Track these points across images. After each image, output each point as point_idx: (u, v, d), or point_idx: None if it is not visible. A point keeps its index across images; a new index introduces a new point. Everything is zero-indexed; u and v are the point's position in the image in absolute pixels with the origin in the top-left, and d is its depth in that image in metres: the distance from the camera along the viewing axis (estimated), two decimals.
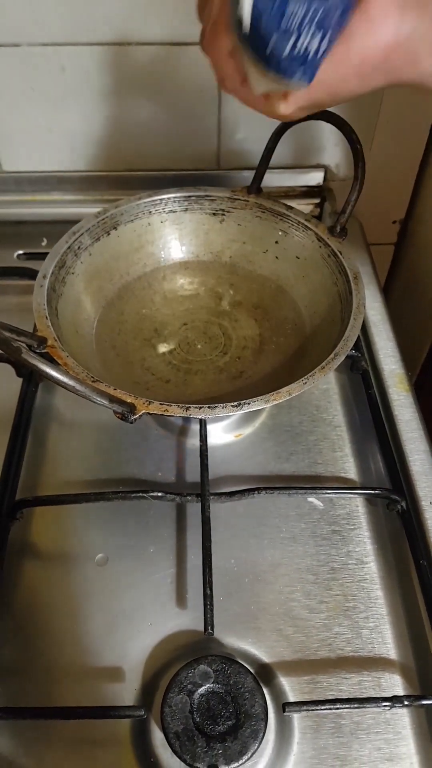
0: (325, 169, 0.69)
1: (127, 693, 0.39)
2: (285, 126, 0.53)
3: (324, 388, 0.57)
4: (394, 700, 0.35)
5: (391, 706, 0.35)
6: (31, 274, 0.53)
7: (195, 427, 0.52)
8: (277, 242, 0.55)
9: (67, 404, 0.55)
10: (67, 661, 0.40)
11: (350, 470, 0.51)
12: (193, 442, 0.51)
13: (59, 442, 0.52)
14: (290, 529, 0.47)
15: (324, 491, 0.47)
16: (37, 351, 0.42)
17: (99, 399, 0.37)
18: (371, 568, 0.45)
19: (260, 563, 0.45)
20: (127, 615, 0.42)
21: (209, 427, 0.52)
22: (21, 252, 0.68)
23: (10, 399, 0.53)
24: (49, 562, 0.45)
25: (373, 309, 0.61)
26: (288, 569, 0.45)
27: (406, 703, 0.36)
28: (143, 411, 0.40)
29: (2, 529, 0.44)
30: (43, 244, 0.67)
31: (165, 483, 0.49)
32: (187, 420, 0.53)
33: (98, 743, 0.37)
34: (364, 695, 0.38)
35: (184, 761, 0.33)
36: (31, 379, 0.54)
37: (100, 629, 0.42)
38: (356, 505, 0.48)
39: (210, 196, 0.56)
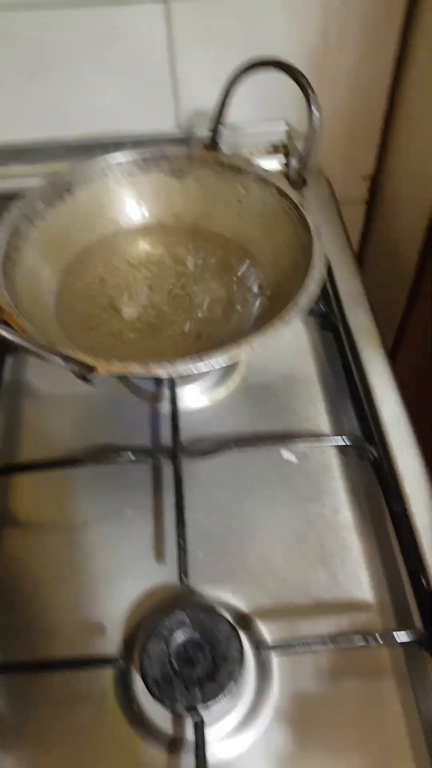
0: (288, 124, 0.70)
1: (109, 646, 0.41)
2: (236, 78, 0.54)
3: (296, 347, 0.59)
4: (368, 636, 0.38)
5: (366, 643, 0.37)
6: None
7: (168, 392, 0.54)
8: (239, 200, 0.56)
9: (39, 378, 0.56)
10: (50, 621, 0.42)
11: (324, 425, 0.53)
12: (167, 406, 0.53)
13: (33, 416, 0.54)
14: (266, 484, 0.49)
15: (296, 443, 0.49)
16: None
17: (56, 359, 0.39)
18: (346, 516, 0.47)
19: (237, 519, 0.47)
20: (107, 574, 0.44)
21: (183, 391, 0.54)
22: None
23: None
24: (29, 528, 0.47)
25: (342, 264, 0.63)
26: (265, 522, 0.47)
27: (379, 640, 0.38)
28: (103, 371, 0.41)
29: None
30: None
31: (140, 448, 0.51)
32: (159, 385, 0.54)
33: (83, 697, 0.39)
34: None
35: (164, 705, 0.35)
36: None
37: (81, 589, 0.44)
38: (330, 457, 0.50)
39: (167, 155, 0.57)
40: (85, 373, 0.41)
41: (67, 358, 0.40)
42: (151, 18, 0.61)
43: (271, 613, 0.42)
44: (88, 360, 0.41)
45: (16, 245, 0.50)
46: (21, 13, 0.59)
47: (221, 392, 0.55)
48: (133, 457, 0.47)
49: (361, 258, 0.87)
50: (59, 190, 0.54)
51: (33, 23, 0.60)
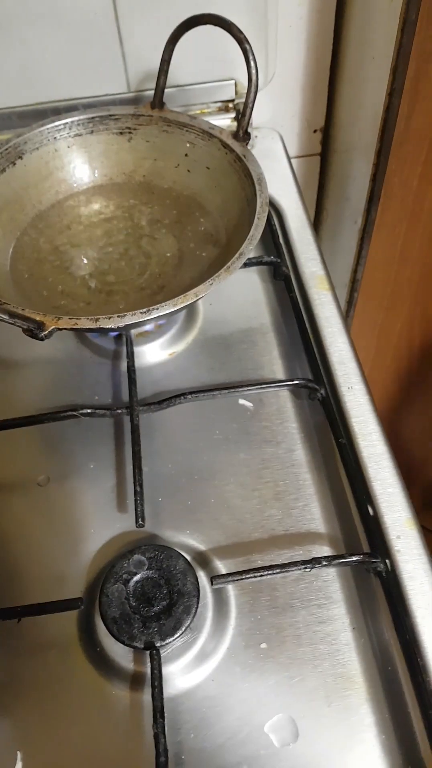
0: (236, 82, 0.66)
1: (72, 593, 0.39)
2: (176, 35, 0.51)
3: (252, 298, 0.56)
4: (314, 561, 0.36)
5: (311, 567, 0.36)
6: None
7: (126, 348, 0.51)
8: (186, 155, 0.53)
9: (1, 343, 0.54)
10: (15, 574, 0.41)
11: (278, 372, 0.51)
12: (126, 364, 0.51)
13: None
14: (223, 430, 0.47)
15: (247, 389, 0.47)
16: None
17: (2, 316, 0.36)
18: (299, 455, 0.45)
19: (196, 463, 0.45)
20: (71, 527, 0.43)
21: (143, 348, 0.52)
22: None
23: None
24: None
25: (295, 217, 0.60)
26: (222, 465, 0.45)
27: (325, 563, 0.37)
28: (52, 326, 0.39)
29: None
30: None
31: (101, 405, 0.49)
32: (119, 343, 0.52)
33: (48, 644, 0.38)
34: None
35: (122, 642, 0.34)
36: None
37: (45, 543, 0.42)
38: (284, 401, 0.49)
39: (114, 115, 0.53)
40: (34, 329, 0.39)
41: (14, 314, 0.38)
42: None
43: (228, 550, 0.41)
44: (38, 317, 0.39)
45: None
46: None
47: (180, 347, 0.53)
48: (89, 411, 0.45)
49: (319, 210, 0.84)
50: (10, 156, 0.51)
51: None
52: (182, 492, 0.44)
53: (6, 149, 0.50)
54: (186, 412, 0.48)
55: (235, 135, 0.50)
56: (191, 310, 0.55)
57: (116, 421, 0.48)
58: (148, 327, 0.52)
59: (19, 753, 0.34)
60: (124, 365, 0.51)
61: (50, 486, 0.45)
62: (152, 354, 0.52)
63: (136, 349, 0.51)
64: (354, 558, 0.37)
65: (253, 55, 0.47)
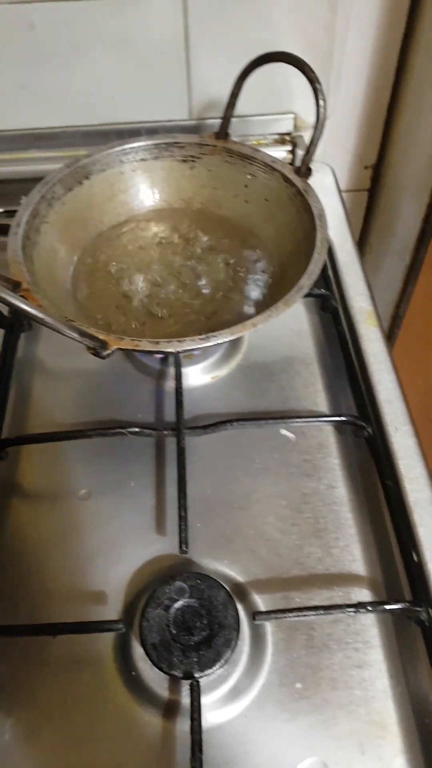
0: (295, 116, 0.66)
1: (109, 613, 0.39)
2: (248, 70, 0.51)
3: (297, 328, 0.56)
4: (359, 606, 0.36)
5: (356, 611, 0.35)
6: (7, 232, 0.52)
7: (172, 370, 0.51)
8: (246, 186, 0.54)
9: (49, 354, 0.54)
10: (53, 588, 0.40)
11: (321, 404, 0.50)
12: (171, 384, 0.50)
13: (42, 390, 0.52)
14: (264, 459, 0.47)
15: (293, 421, 0.46)
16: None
17: (71, 333, 0.36)
18: (341, 492, 0.44)
19: (235, 491, 0.45)
20: (109, 544, 0.42)
21: (186, 370, 0.52)
22: (0, 210, 0.66)
23: None
24: (34, 498, 0.45)
25: (344, 250, 0.60)
26: (261, 495, 0.44)
27: (369, 608, 0.36)
28: (115, 347, 0.39)
29: None
30: (22, 201, 0.66)
31: (146, 423, 0.49)
32: (164, 363, 0.52)
33: (83, 662, 0.37)
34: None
35: (161, 669, 0.34)
36: (13, 329, 0.53)
37: (84, 558, 0.42)
38: (327, 435, 0.48)
39: (179, 142, 0.54)
40: (98, 348, 0.39)
41: (83, 333, 0.38)
42: (169, 10, 0.57)
43: (265, 584, 0.40)
44: (102, 336, 0.39)
45: (36, 226, 0.48)
46: (42, 3, 0.56)
47: (222, 371, 0.53)
48: (137, 430, 0.45)
49: (362, 244, 0.84)
50: (78, 175, 0.52)
51: (54, 13, 0.56)
52: (220, 519, 0.43)
53: (75, 169, 0.51)
54: (226, 438, 0.47)
55: (297, 170, 0.50)
56: None
57: (158, 441, 0.48)
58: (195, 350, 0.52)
59: None
60: (167, 384, 0.51)
61: (91, 501, 0.45)
62: (195, 376, 0.52)
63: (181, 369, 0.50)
64: (398, 606, 0.36)
65: (323, 94, 0.47)
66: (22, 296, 0.41)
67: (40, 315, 0.35)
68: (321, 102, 0.48)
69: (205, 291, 0.51)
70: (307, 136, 0.68)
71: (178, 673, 0.33)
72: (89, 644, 0.38)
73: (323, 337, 0.55)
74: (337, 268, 0.58)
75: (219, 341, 0.39)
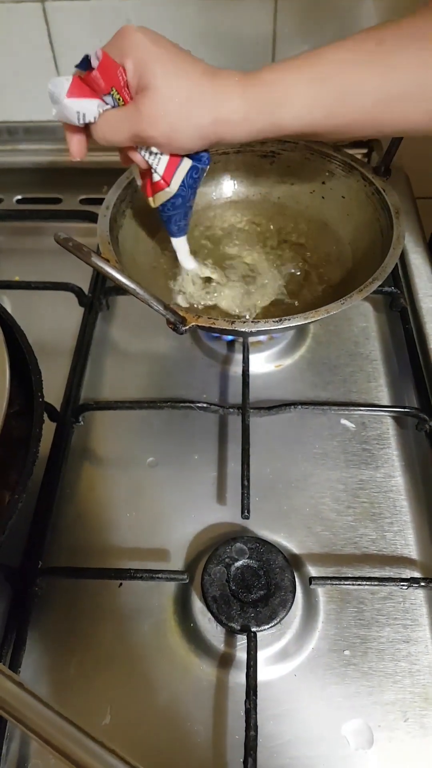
0: None
1: (173, 568, 0.42)
2: None
3: (363, 325, 0.59)
4: (412, 581, 0.38)
5: (408, 586, 0.38)
6: (92, 218, 0.57)
7: (238, 356, 0.55)
8: (323, 183, 0.57)
9: (122, 334, 0.59)
10: (120, 543, 0.44)
11: (383, 399, 0.53)
12: (236, 369, 0.54)
13: (115, 367, 0.56)
14: (323, 446, 0.50)
15: (356, 409, 0.49)
16: None
17: (157, 306, 0.40)
18: (398, 481, 0.47)
19: (293, 473, 0.48)
20: (173, 508, 0.46)
21: (252, 357, 0.55)
22: (83, 197, 0.72)
23: (73, 327, 0.57)
24: (106, 462, 0.49)
25: (416, 253, 0.63)
26: (319, 479, 0.48)
27: (422, 584, 0.38)
28: (192, 323, 0.43)
29: (67, 429, 0.48)
30: (104, 190, 0.71)
31: (212, 402, 0.52)
32: (231, 348, 0.56)
33: (144, 611, 0.41)
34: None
35: (220, 621, 0.37)
36: (92, 308, 0.58)
37: (149, 519, 0.46)
38: (387, 427, 0.51)
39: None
40: (178, 323, 0.43)
41: (167, 307, 0.42)
42: (260, 12, 0.62)
43: (319, 558, 0.43)
44: (182, 312, 0.43)
45: (123, 210, 0.52)
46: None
47: (287, 361, 0.56)
48: (205, 405, 0.49)
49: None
50: None
51: (152, 9, 0.61)
52: (279, 496, 0.47)
53: None
54: (288, 423, 0.51)
55: (375, 169, 0.53)
56: (302, 327, 0.58)
57: (221, 420, 0.51)
58: (262, 337, 0.56)
59: (109, 708, 0.38)
60: (232, 369, 0.55)
61: (157, 469, 0.49)
62: (259, 364, 0.56)
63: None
64: None
65: None
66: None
67: (133, 285, 0.39)
68: None
69: (279, 278, 0.55)
70: (383, 138, 0.71)
71: (236, 626, 0.37)
72: (151, 596, 0.41)
73: (389, 335, 0.58)
74: (408, 269, 0.61)
75: (292, 324, 0.43)
